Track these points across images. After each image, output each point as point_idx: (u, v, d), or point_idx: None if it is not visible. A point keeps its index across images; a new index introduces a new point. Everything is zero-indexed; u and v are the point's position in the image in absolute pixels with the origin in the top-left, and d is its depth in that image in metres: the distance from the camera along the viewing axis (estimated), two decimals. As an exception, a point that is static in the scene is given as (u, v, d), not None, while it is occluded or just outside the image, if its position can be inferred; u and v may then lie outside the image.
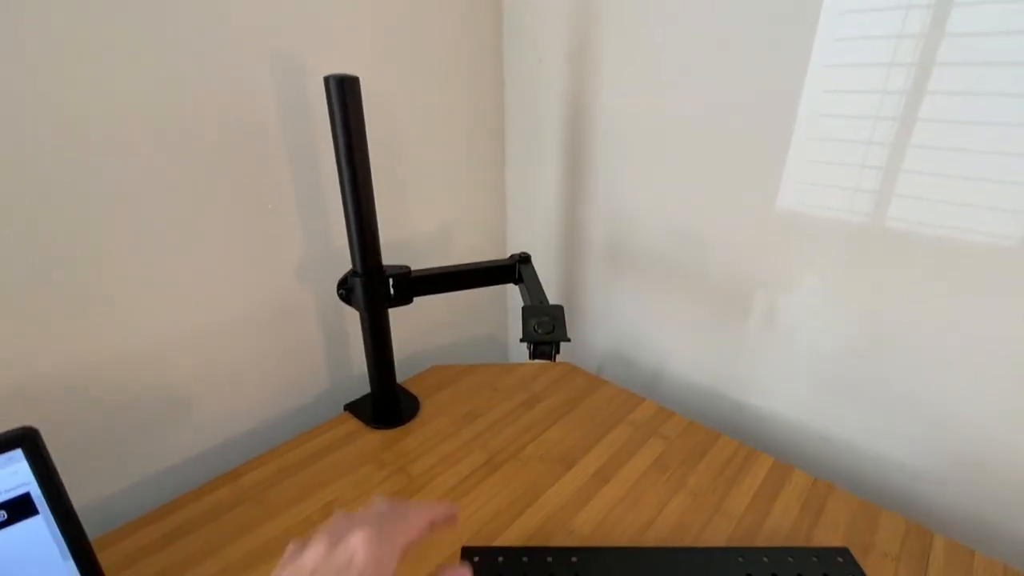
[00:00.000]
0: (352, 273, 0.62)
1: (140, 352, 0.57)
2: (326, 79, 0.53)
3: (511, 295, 1.02)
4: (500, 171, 0.91)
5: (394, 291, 0.63)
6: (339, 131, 0.54)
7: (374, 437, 0.67)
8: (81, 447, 0.55)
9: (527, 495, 0.58)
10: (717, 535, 0.53)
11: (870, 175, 0.55)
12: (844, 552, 0.50)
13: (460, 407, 0.72)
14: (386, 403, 0.70)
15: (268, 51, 0.58)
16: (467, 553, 0.50)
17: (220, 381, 0.65)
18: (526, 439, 0.66)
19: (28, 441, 0.32)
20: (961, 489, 0.59)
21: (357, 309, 0.64)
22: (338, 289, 0.63)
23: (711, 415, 0.78)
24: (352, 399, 0.73)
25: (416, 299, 0.65)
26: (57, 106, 0.47)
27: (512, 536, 0.53)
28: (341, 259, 0.63)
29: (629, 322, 0.85)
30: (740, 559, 0.49)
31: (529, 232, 0.94)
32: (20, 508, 0.33)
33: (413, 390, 0.75)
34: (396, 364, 0.69)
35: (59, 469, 0.35)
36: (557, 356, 0.52)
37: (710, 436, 0.66)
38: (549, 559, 0.49)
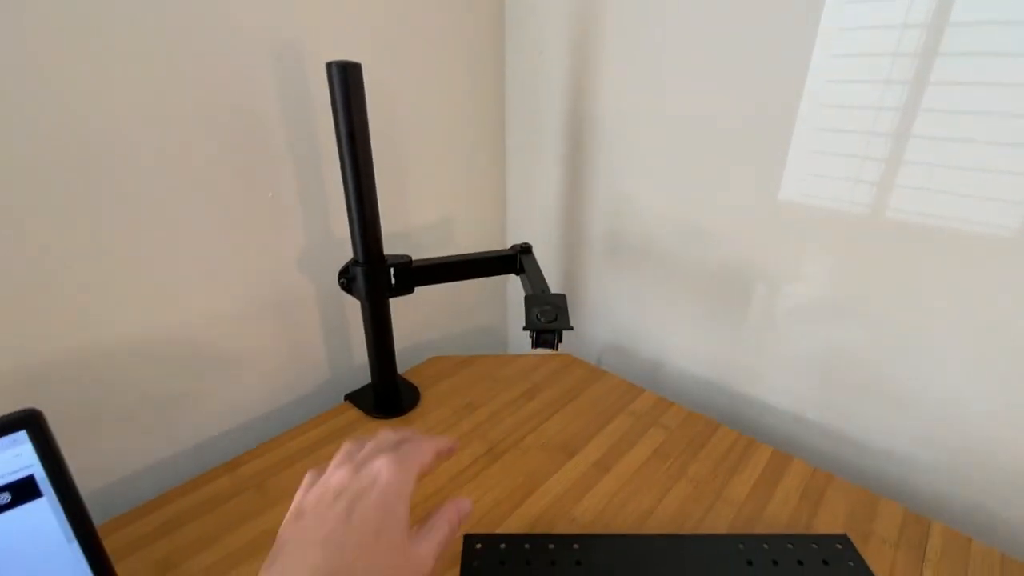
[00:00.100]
0: (353, 262, 0.62)
1: (140, 341, 0.57)
2: (328, 65, 0.52)
3: (510, 286, 1.02)
4: (501, 163, 0.91)
5: (395, 281, 0.63)
6: (341, 118, 0.54)
7: (374, 427, 0.67)
8: (81, 435, 0.55)
9: (528, 484, 0.58)
10: (718, 523, 0.53)
11: (872, 166, 0.56)
12: (843, 539, 0.50)
13: (460, 397, 0.72)
14: (387, 393, 0.70)
15: (269, 40, 0.58)
16: (469, 540, 0.50)
17: (220, 370, 0.65)
18: (526, 429, 0.66)
19: (32, 423, 0.32)
20: (959, 479, 0.60)
21: (358, 298, 0.64)
22: (339, 278, 0.63)
23: (710, 407, 0.78)
24: (353, 389, 0.72)
25: (416, 290, 0.65)
26: (56, 95, 0.47)
27: (514, 524, 0.53)
28: (342, 249, 0.63)
29: (629, 314, 0.85)
30: (740, 546, 0.49)
31: (529, 224, 0.93)
32: (24, 490, 0.32)
33: (413, 380, 0.75)
34: (396, 354, 0.69)
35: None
36: (559, 346, 0.52)
37: (710, 426, 0.66)
38: (551, 546, 0.49)
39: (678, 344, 0.81)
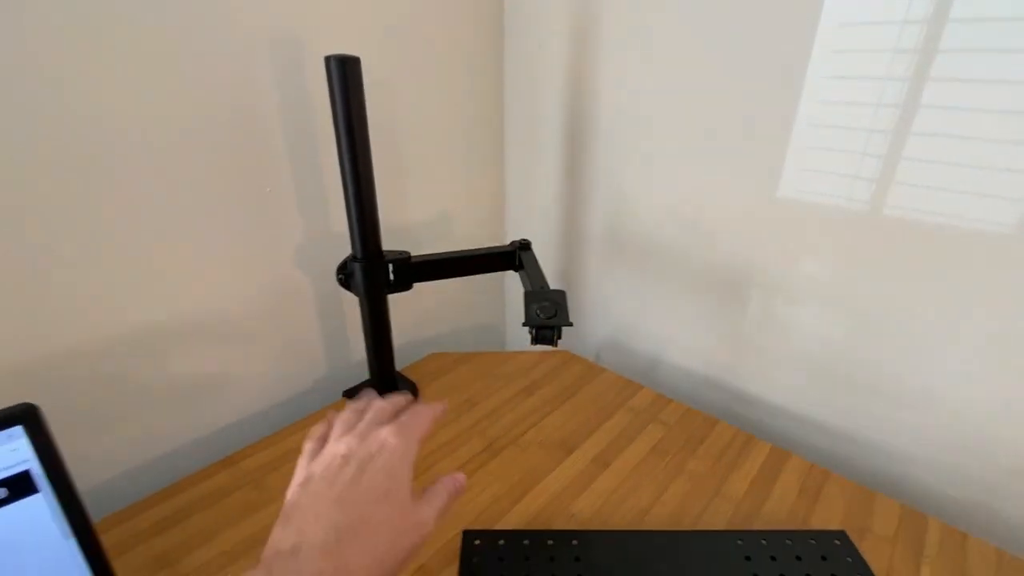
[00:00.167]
0: (351, 258, 0.62)
1: (137, 337, 0.57)
2: (327, 59, 0.52)
3: (509, 283, 1.02)
4: (499, 158, 0.91)
5: (394, 276, 0.63)
6: (339, 112, 0.54)
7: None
8: (79, 430, 0.55)
9: (527, 480, 0.58)
10: (716, 519, 0.53)
11: (870, 163, 0.56)
12: (841, 535, 0.50)
13: (459, 394, 0.72)
14: (385, 389, 0.70)
15: (267, 34, 0.58)
16: (468, 537, 0.50)
17: (218, 366, 0.65)
18: (525, 425, 0.66)
19: (29, 418, 0.32)
20: (956, 475, 0.60)
21: (356, 294, 0.63)
22: (337, 274, 0.63)
23: (709, 403, 0.78)
24: (351, 385, 0.72)
25: (414, 286, 0.65)
26: (54, 92, 0.46)
27: (513, 520, 0.53)
28: (340, 244, 0.63)
29: (627, 310, 0.85)
30: (739, 542, 0.49)
31: (528, 220, 0.93)
32: (20, 486, 0.32)
33: (412, 377, 0.75)
34: (395, 351, 0.69)
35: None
36: (558, 342, 0.52)
37: (708, 422, 0.66)
38: (550, 542, 0.49)
39: (676, 341, 0.81)
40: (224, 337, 0.64)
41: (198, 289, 0.60)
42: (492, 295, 1.02)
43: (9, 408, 0.32)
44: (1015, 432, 0.55)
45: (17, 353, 0.50)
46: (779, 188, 0.63)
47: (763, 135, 0.62)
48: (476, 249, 0.67)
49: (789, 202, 0.63)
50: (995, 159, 0.49)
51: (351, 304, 0.68)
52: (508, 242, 0.68)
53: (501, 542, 0.50)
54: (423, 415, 0.38)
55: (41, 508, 0.33)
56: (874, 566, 0.47)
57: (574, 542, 0.49)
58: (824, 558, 0.48)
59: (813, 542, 0.49)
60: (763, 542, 0.49)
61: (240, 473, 0.59)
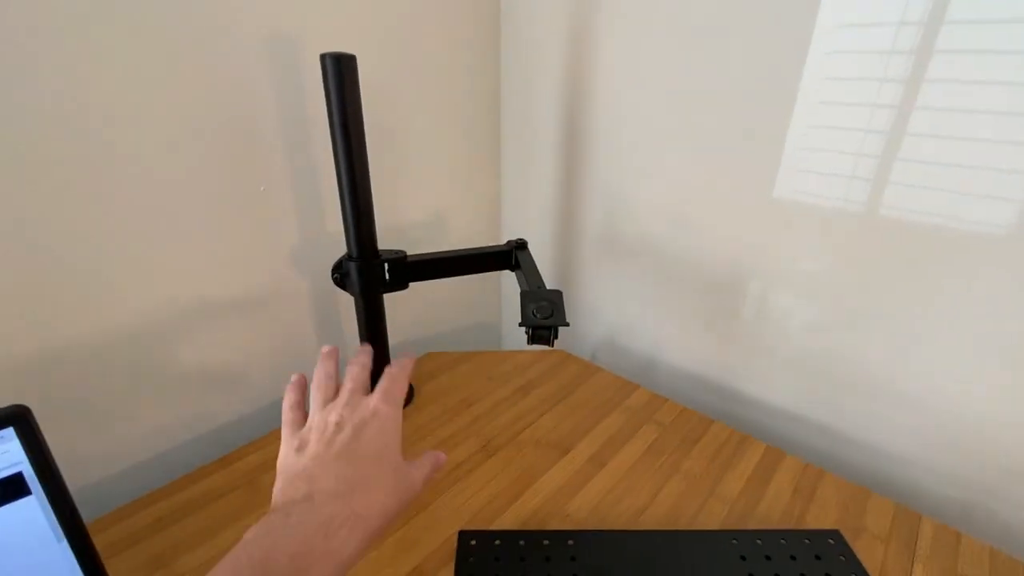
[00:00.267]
0: (347, 257, 0.61)
1: (131, 337, 0.56)
2: (322, 57, 0.52)
3: (505, 282, 1.02)
4: (496, 158, 0.91)
5: (389, 276, 0.62)
6: (335, 111, 0.53)
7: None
8: (71, 430, 0.54)
9: (523, 480, 0.58)
10: (711, 519, 0.53)
11: (866, 163, 0.56)
12: (835, 534, 0.51)
13: (455, 394, 0.72)
14: (380, 389, 0.69)
15: (263, 33, 0.57)
16: (464, 537, 0.50)
17: (212, 366, 0.64)
18: (521, 425, 0.66)
19: (20, 420, 0.32)
20: (948, 474, 0.60)
21: (352, 294, 0.63)
22: (333, 274, 0.62)
23: (704, 403, 0.78)
24: (346, 385, 0.72)
25: (410, 286, 0.64)
26: (51, 88, 0.46)
27: (508, 520, 0.53)
28: (335, 243, 0.63)
29: (623, 310, 0.85)
30: (734, 541, 0.50)
31: (524, 220, 0.93)
32: (12, 488, 0.32)
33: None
34: (390, 350, 0.69)
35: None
36: (554, 342, 0.52)
37: (703, 422, 0.66)
38: (546, 542, 0.49)
39: (672, 341, 0.81)
40: (219, 337, 0.64)
41: (192, 288, 0.60)
42: (488, 295, 1.01)
43: (0, 410, 0.32)
44: (1010, 433, 0.55)
45: (12, 352, 0.49)
46: (775, 189, 0.63)
47: (759, 136, 0.62)
48: (472, 248, 0.67)
49: (785, 203, 0.63)
50: (990, 160, 0.49)
51: (347, 304, 0.68)
52: (504, 242, 0.68)
53: (497, 542, 0.49)
54: (401, 379, 0.40)
55: (33, 510, 0.33)
56: (868, 565, 0.48)
57: (570, 542, 0.49)
58: (818, 557, 0.48)
59: (807, 541, 0.50)
60: (758, 541, 0.49)
61: (235, 473, 0.58)
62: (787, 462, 0.60)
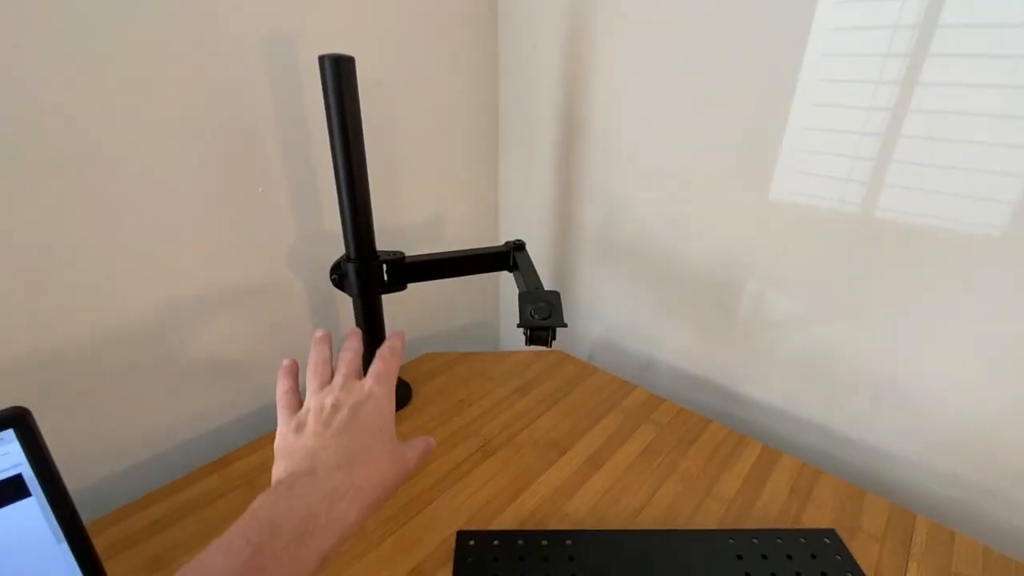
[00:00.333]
0: (345, 258, 0.61)
1: (129, 338, 0.56)
2: (321, 59, 0.52)
3: (503, 283, 1.02)
4: (494, 158, 0.91)
5: (388, 277, 0.63)
6: (333, 112, 0.54)
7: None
8: (69, 430, 0.54)
9: (521, 480, 0.58)
10: (708, 518, 0.54)
11: (861, 165, 0.56)
12: (831, 534, 0.51)
13: (453, 394, 0.72)
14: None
15: (262, 33, 0.57)
16: (463, 537, 0.50)
17: (210, 367, 0.64)
18: (519, 426, 0.66)
19: (20, 421, 0.32)
20: (943, 474, 0.61)
21: (350, 295, 0.63)
22: (331, 274, 0.63)
23: (701, 403, 0.79)
24: (344, 386, 0.72)
25: (408, 287, 0.64)
26: (49, 89, 0.46)
27: (507, 520, 0.53)
28: (334, 244, 0.63)
29: (620, 311, 0.85)
30: (731, 541, 0.50)
31: (522, 221, 0.93)
32: (12, 490, 0.32)
33: (406, 377, 0.75)
34: (389, 351, 0.69)
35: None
36: (552, 343, 0.52)
37: (700, 422, 0.67)
38: (544, 542, 0.50)
39: (669, 341, 0.81)
40: (217, 338, 0.64)
41: (190, 289, 0.60)
42: (486, 295, 1.02)
43: (0, 411, 0.32)
44: (1005, 433, 0.56)
45: (12, 352, 0.49)
46: (771, 190, 0.63)
47: (756, 137, 0.62)
48: (470, 249, 0.67)
49: (782, 204, 0.63)
50: (985, 162, 0.50)
51: (345, 304, 0.68)
52: (502, 242, 0.69)
53: (495, 542, 0.50)
54: (393, 361, 0.41)
55: (33, 512, 0.33)
56: (863, 564, 0.48)
57: (568, 542, 0.50)
58: (814, 556, 0.48)
59: (803, 540, 0.50)
60: (754, 541, 0.50)
61: (234, 474, 0.58)
62: (784, 462, 0.60)
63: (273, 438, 0.63)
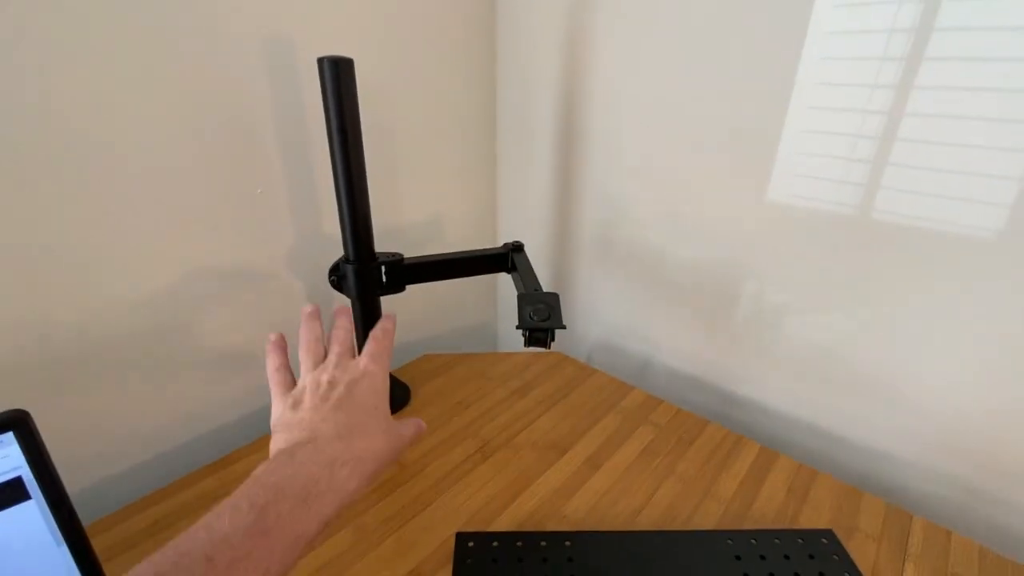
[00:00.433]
0: (344, 260, 0.61)
1: (129, 338, 0.56)
2: (320, 61, 0.52)
3: (501, 284, 1.02)
4: (492, 160, 0.91)
5: (386, 278, 0.63)
6: (332, 114, 0.54)
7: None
8: (68, 431, 0.54)
9: (520, 482, 0.58)
10: (707, 519, 0.54)
11: (858, 168, 0.56)
12: (828, 534, 0.51)
13: (452, 395, 0.72)
14: (377, 391, 0.69)
15: (260, 35, 0.57)
16: (462, 539, 0.50)
17: (209, 368, 0.64)
18: (518, 427, 0.67)
19: (20, 424, 0.32)
20: (940, 474, 0.61)
21: (348, 296, 0.63)
22: (330, 276, 0.63)
23: (699, 404, 0.79)
24: (343, 387, 0.72)
25: (406, 288, 0.65)
26: (47, 90, 0.46)
27: (506, 522, 0.53)
28: (332, 246, 0.63)
29: (619, 312, 0.86)
30: (729, 541, 0.50)
31: (520, 222, 0.94)
32: (12, 493, 0.32)
33: (404, 378, 0.75)
34: (388, 352, 0.69)
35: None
36: (551, 344, 0.53)
37: (698, 423, 0.67)
38: (543, 543, 0.50)
39: (667, 342, 0.81)
40: (215, 339, 0.64)
41: (189, 290, 0.60)
42: (484, 296, 1.02)
43: (0, 414, 0.32)
44: (1002, 434, 0.56)
45: (12, 353, 0.49)
46: (768, 192, 0.64)
47: (753, 139, 0.63)
48: (469, 251, 0.67)
49: (779, 206, 0.63)
50: (980, 165, 0.50)
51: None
52: (500, 243, 0.69)
53: (495, 544, 0.50)
54: (386, 341, 0.42)
55: (33, 515, 0.33)
56: (860, 564, 0.48)
57: (567, 543, 0.50)
58: (812, 556, 0.49)
59: (801, 541, 0.50)
60: (752, 541, 0.50)
61: (232, 475, 0.58)
62: (781, 462, 0.61)
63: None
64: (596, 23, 0.71)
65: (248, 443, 0.63)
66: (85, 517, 0.37)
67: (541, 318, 0.51)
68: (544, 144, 0.84)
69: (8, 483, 0.32)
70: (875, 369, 0.62)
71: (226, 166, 0.59)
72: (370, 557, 0.49)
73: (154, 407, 0.61)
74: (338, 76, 0.52)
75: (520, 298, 0.55)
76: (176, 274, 0.58)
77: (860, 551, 0.50)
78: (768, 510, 0.55)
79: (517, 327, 0.52)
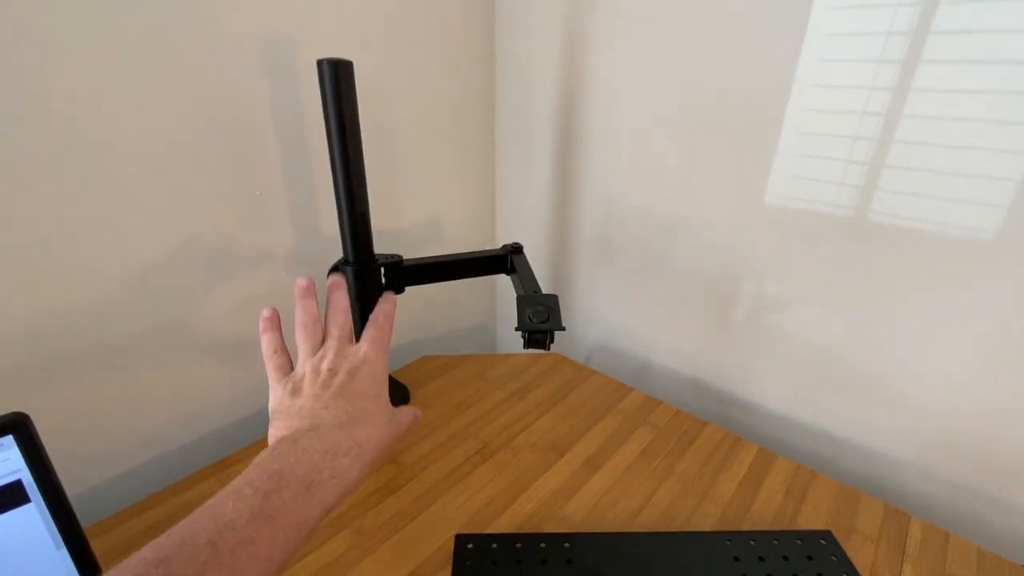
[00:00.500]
0: (343, 261, 0.61)
1: (128, 339, 0.56)
2: (319, 63, 0.52)
3: (500, 285, 1.02)
4: (491, 162, 0.91)
5: (386, 280, 0.63)
6: (331, 117, 0.53)
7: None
8: (68, 435, 0.54)
9: (519, 483, 0.58)
10: (705, 520, 0.54)
11: (855, 169, 0.57)
12: (827, 535, 0.51)
13: (451, 397, 0.72)
14: (377, 393, 0.69)
15: (259, 36, 0.57)
16: (461, 541, 0.50)
17: (207, 370, 0.64)
18: (517, 428, 0.67)
19: (19, 427, 0.32)
20: (938, 475, 0.61)
21: (348, 298, 0.63)
22: (328, 278, 0.63)
23: (697, 405, 0.79)
24: (342, 389, 0.72)
25: (405, 290, 0.64)
26: (46, 91, 0.46)
27: (505, 523, 0.53)
28: (331, 247, 0.63)
29: (617, 313, 0.86)
30: (728, 543, 0.50)
31: (518, 223, 0.94)
32: (11, 496, 0.32)
33: (403, 380, 0.75)
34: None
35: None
36: (550, 346, 0.53)
37: (697, 424, 0.67)
38: (542, 545, 0.50)
39: (666, 343, 0.81)
40: (213, 341, 0.64)
41: (184, 292, 0.60)
42: (483, 297, 1.02)
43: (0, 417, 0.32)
44: (1001, 434, 0.56)
45: (11, 355, 0.49)
46: (767, 193, 0.64)
47: (752, 141, 0.63)
48: (468, 252, 0.67)
49: (778, 207, 0.63)
50: (978, 167, 0.50)
51: (343, 307, 0.68)
52: (499, 244, 0.69)
53: (494, 545, 0.50)
54: (386, 327, 0.43)
55: (33, 518, 0.33)
56: (859, 565, 0.48)
57: (566, 544, 0.50)
58: (810, 557, 0.49)
59: (799, 542, 0.50)
60: (751, 542, 0.50)
61: (230, 478, 0.58)
62: (779, 464, 0.61)
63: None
64: (596, 24, 0.72)
65: (247, 445, 0.63)
66: (84, 519, 0.37)
67: (540, 320, 0.51)
68: (543, 145, 0.84)
69: (8, 486, 0.32)
70: (874, 370, 0.62)
71: (225, 167, 0.59)
72: (369, 560, 0.49)
73: (153, 407, 0.61)
74: (337, 78, 0.52)
75: (519, 300, 0.55)
76: (176, 275, 0.58)
77: (858, 552, 0.50)
78: (766, 511, 0.55)
79: (516, 329, 0.52)
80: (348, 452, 0.33)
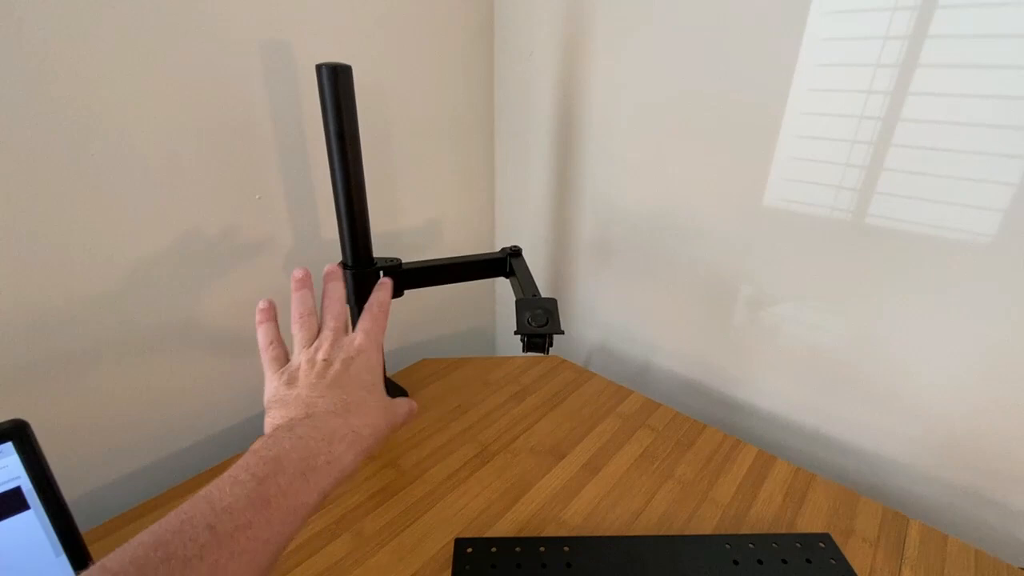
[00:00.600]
0: (342, 265, 0.61)
1: (125, 344, 0.56)
2: (318, 67, 0.52)
3: (499, 289, 1.02)
4: (490, 165, 0.91)
5: (385, 284, 0.63)
6: (331, 121, 0.54)
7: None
8: (69, 439, 0.54)
9: (518, 487, 0.58)
10: (704, 523, 0.54)
11: (853, 173, 0.57)
12: (826, 538, 0.51)
13: (450, 400, 0.72)
14: (376, 396, 0.69)
15: (258, 40, 0.57)
16: (460, 544, 0.50)
17: (207, 374, 0.64)
18: (516, 431, 0.67)
19: (19, 434, 0.32)
20: (936, 477, 0.61)
21: (347, 302, 0.63)
22: (328, 281, 0.63)
23: (697, 408, 0.79)
24: (341, 392, 0.72)
25: (404, 293, 0.65)
26: (46, 93, 0.46)
27: (504, 527, 0.53)
28: (330, 251, 0.63)
29: (616, 316, 0.86)
30: (727, 545, 0.50)
31: (517, 227, 0.94)
32: (11, 503, 0.32)
33: (403, 383, 0.75)
34: (385, 357, 0.69)
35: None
36: (549, 349, 0.53)
37: (696, 427, 0.67)
38: (542, 549, 0.50)
39: (665, 346, 0.82)
40: (213, 345, 0.64)
41: (184, 295, 0.60)
42: (482, 300, 1.02)
43: (-1, 424, 0.32)
44: (999, 437, 0.57)
45: (11, 357, 0.49)
46: (765, 196, 0.64)
47: (750, 144, 0.63)
48: (467, 256, 0.67)
49: (776, 209, 0.64)
50: (975, 171, 0.50)
51: (342, 311, 0.68)
52: (498, 248, 0.69)
53: (493, 549, 0.50)
54: (381, 317, 0.42)
55: (32, 526, 0.33)
56: (857, 568, 0.48)
57: (565, 548, 0.50)
58: (809, 560, 0.49)
59: (799, 545, 0.51)
60: (750, 545, 0.50)
61: (230, 482, 0.58)
62: (778, 467, 0.61)
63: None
64: (593, 28, 0.72)
65: (246, 448, 0.63)
66: (82, 523, 0.37)
67: (539, 323, 0.51)
68: (542, 147, 0.84)
69: (7, 493, 0.32)
70: (872, 373, 0.63)
71: (225, 171, 0.59)
72: (368, 564, 0.49)
73: (152, 411, 0.61)
74: (336, 83, 0.52)
75: (518, 303, 0.56)
76: (173, 278, 0.58)
77: (857, 555, 0.50)
78: (765, 514, 0.55)
79: (515, 332, 0.52)
80: (344, 438, 0.33)
